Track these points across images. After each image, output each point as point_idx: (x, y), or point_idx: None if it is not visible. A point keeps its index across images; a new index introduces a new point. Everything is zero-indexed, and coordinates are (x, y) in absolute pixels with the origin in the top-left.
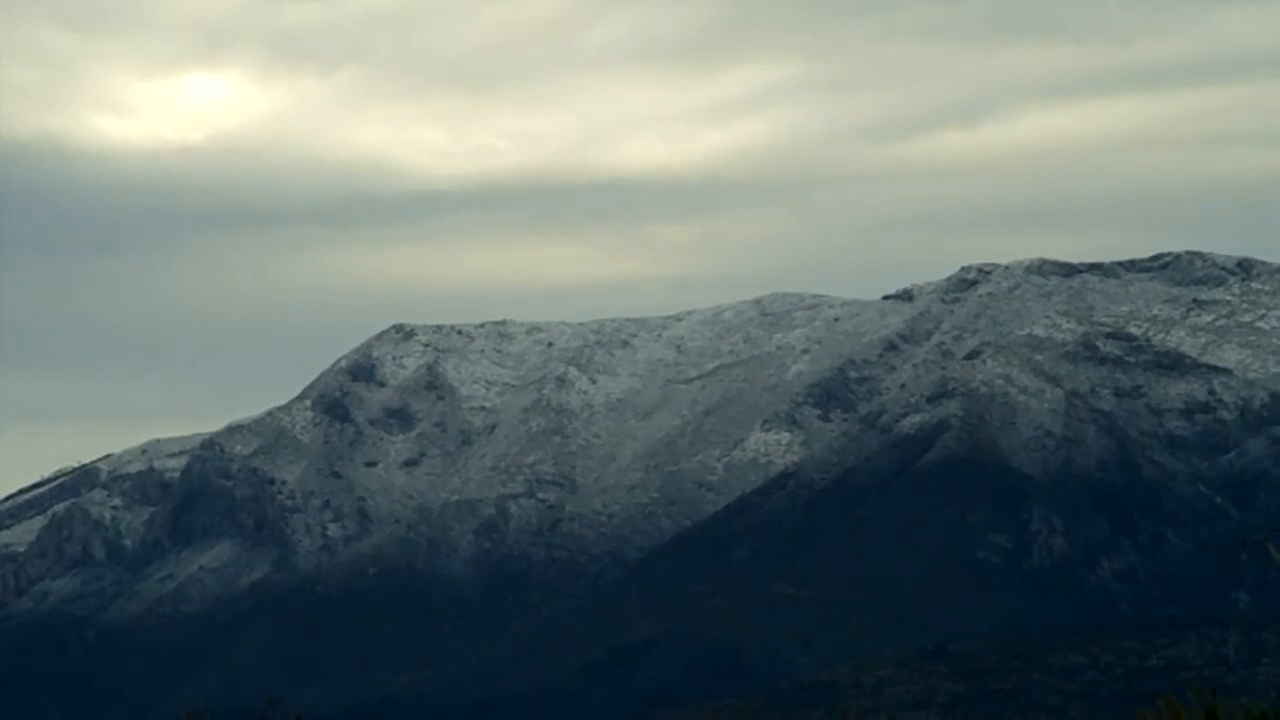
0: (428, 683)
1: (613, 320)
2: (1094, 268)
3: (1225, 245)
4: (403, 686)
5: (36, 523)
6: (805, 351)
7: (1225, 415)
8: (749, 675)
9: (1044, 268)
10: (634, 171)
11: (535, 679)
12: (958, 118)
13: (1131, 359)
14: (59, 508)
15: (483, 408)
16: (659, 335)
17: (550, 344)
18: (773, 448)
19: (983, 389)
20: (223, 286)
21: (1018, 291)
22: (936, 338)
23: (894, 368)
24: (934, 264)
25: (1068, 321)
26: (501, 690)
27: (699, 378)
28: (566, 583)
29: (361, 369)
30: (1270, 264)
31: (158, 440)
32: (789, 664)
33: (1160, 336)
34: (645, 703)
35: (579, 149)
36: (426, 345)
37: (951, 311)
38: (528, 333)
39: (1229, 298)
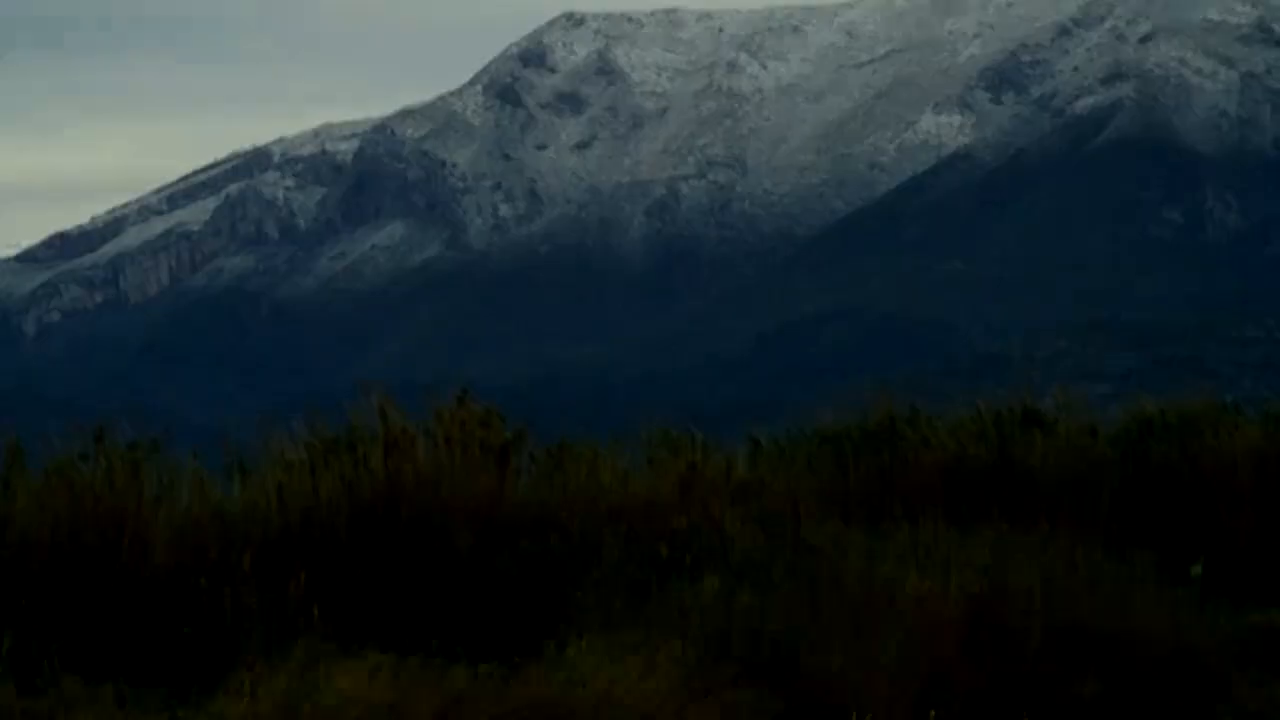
0: (598, 356)
1: (784, 6)
2: None
3: None
4: (573, 358)
5: (210, 203)
6: (977, 35)
7: None
8: (920, 348)
9: None
10: None
11: (705, 352)
12: None
13: None
14: (233, 188)
15: (654, 92)
16: (831, 21)
17: (721, 30)
18: (944, 130)
19: (1156, 71)
20: None
21: None
22: (1110, 22)
23: (1067, 51)
24: None
25: (1242, 5)
26: (671, 363)
27: (870, 62)
28: (737, 261)
29: (532, 55)
30: None
31: (330, 124)
32: (960, 337)
33: None
34: (815, 375)
35: None
36: (597, 31)
37: None
38: (698, 19)
39: None
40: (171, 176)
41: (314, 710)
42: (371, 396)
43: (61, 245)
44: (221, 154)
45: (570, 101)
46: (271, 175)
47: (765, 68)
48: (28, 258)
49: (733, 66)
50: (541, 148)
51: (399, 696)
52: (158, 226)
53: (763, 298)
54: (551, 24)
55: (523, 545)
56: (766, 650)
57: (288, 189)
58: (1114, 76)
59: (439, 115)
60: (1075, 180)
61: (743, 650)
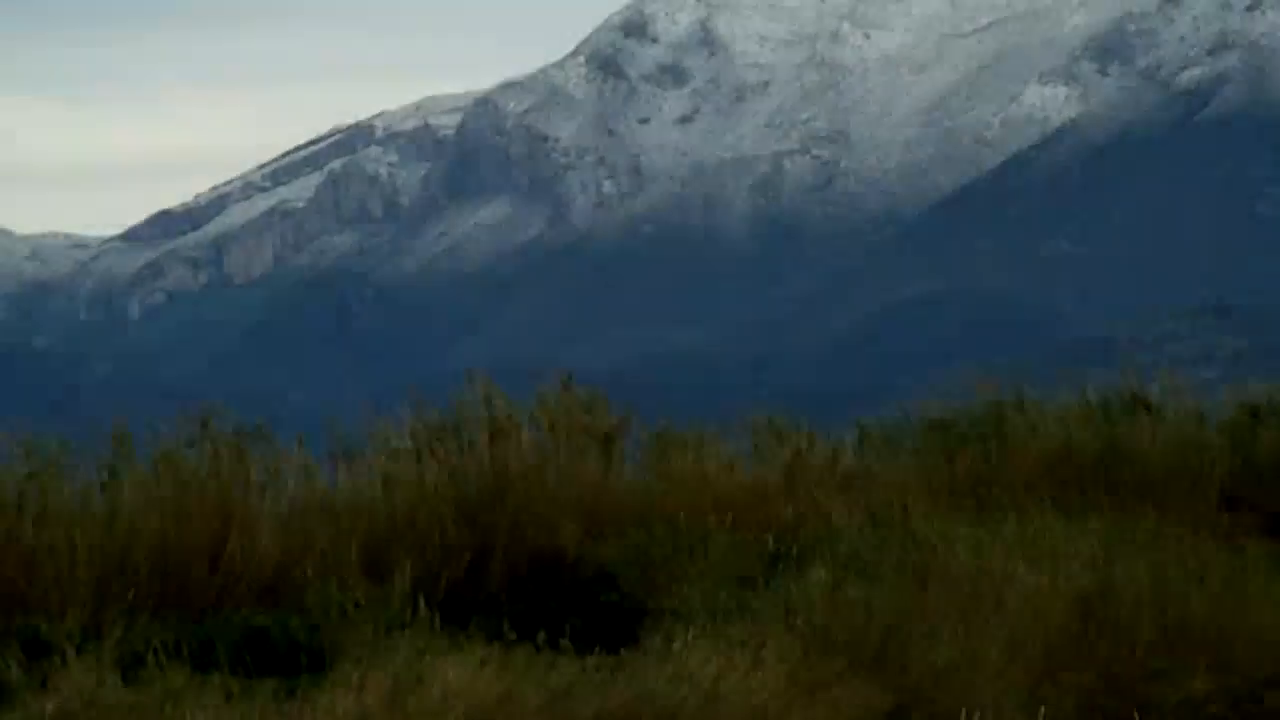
0: (703, 338)
1: None
2: None
3: None
4: (678, 342)
5: (313, 180)
6: (1082, 4)
7: None
8: (1026, 330)
9: None
10: None
11: (811, 335)
12: None
13: None
14: (335, 164)
15: (756, 64)
16: None
17: (824, 0)
18: (1049, 102)
19: (1263, 41)
20: None
21: None
22: None
23: (1172, 20)
24: None
25: None
26: (777, 346)
27: (974, 32)
28: (842, 240)
29: (634, 25)
30: None
31: (432, 97)
32: (1067, 319)
33: None
34: (921, 359)
35: None
36: (699, 1)
37: None
38: None
39: None
40: (274, 152)
41: (420, 702)
42: (476, 382)
43: (165, 224)
44: (324, 129)
45: (673, 73)
46: (374, 150)
47: (868, 38)
48: (132, 237)
49: (835, 37)
50: (644, 121)
51: (505, 689)
52: (261, 204)
53: (868, 279)
54: None
55: (628, 535)
56: (874, 644)
57: (390, 165)
58: (1220, 47)
59: (541, 88)
60: (1182, 156)
61: (850, 644)
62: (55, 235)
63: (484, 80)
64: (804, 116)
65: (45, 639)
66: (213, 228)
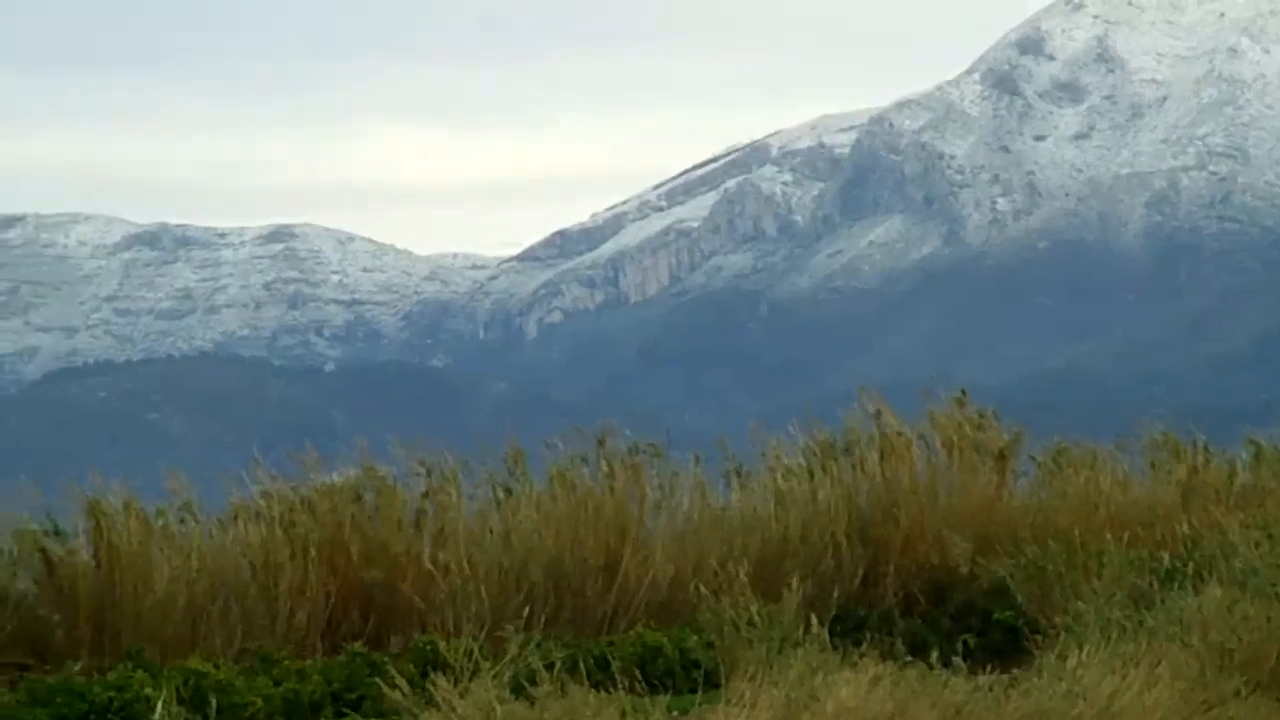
0: (1098, 355)
1: None
2: None
3: None
4: (1073, 359)
5: (708, 199)
6: None
7: None
8: None
9: None
10: None
11: (1204, 351)
12: None
13: None
14: (730, 184)
15: (1153, 80)
16: None
17: (1222, 14)
18: None
19: None
20: None
21: None
22: None
23: None
24: None
25: None
26: (1170, 362)
27: None
28: (1237, 255)
29: (1030, 42)
30: None
31: (827, 116)
32: None
33: None
34: None
35: None
36: (1096, 17)
37: None
38: (1199, 3)
39: None
40: (669, 172)
41: None
42: (865, 399)
43: (562, 243)
44: (719, 148)
45: (1068, 90)
46: (769, 170)
47: (1267, 53)
48: (528, 257)
49: (1233, 52)
50: (1040, 138)
51: (898, 707)
52: (656, 224)
53: (1264, 294)
54: (1050, 9)
55: (1021, 552)
56: (1272, 662)
57: (785, 184)
58: None
59: (936, 105)
60: None
61: (1247, 662)
62: (454, 256)
63: (878, 99)
64: (1201, 132)
65: (443, 657)
66: (609, 247)
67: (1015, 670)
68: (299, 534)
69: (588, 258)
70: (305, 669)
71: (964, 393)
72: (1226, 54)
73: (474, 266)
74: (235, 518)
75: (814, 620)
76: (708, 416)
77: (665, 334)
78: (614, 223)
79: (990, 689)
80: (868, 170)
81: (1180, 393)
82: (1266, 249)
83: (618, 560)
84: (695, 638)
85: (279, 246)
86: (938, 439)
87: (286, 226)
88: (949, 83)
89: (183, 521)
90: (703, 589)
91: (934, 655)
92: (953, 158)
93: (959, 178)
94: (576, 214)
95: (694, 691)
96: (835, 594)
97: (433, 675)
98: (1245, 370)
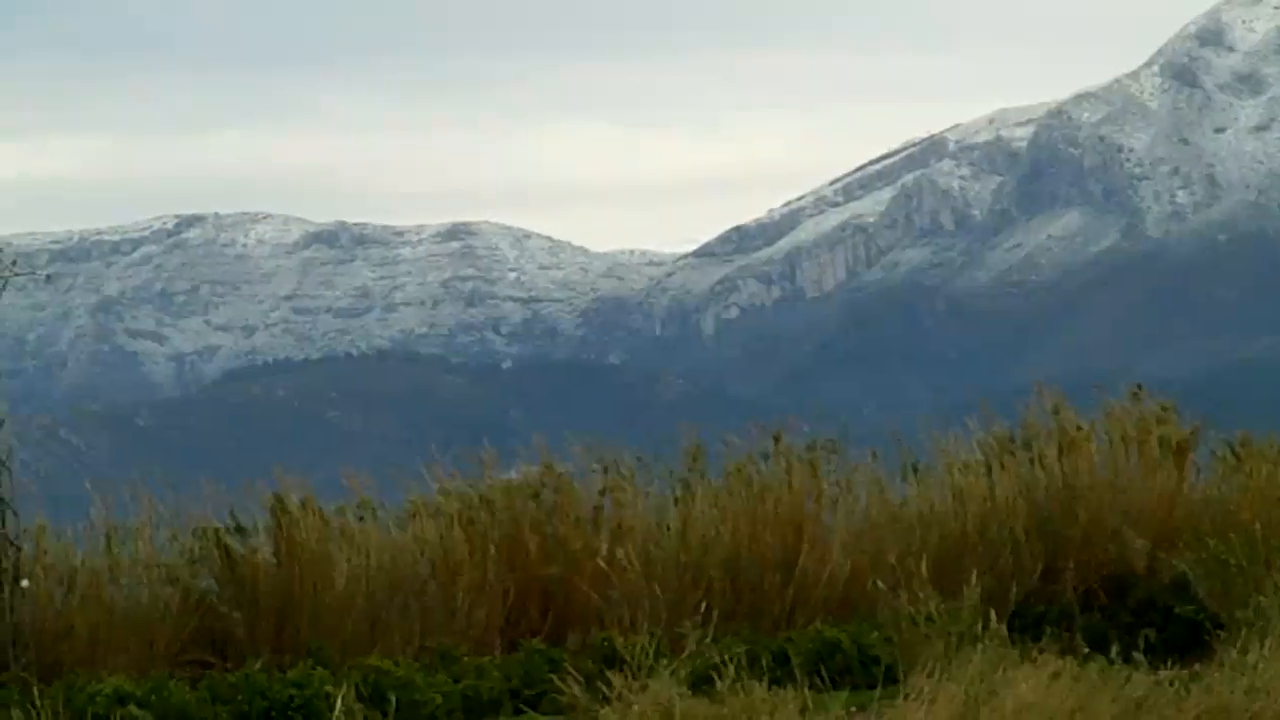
0: (1278, 348)
1: None
2: None
3: None
4: (1255, 352)
5: (885, 194)
6: None
7: None
8: None
9: None
10: None
11: None
12: None
13: None
14: (907, 178)
15: None
16: None
17: None
18: None
19: None
20: None
21: None
22: None
23: None
24: None
25: None
26: None
27: None
28: None
29: (1210, 33)
30: None
31: (1004, 109)
32: None
33: None
34: None
35: None
36: (1276, 8)
37: None
38: None
39: None
40: (845, 167)
41: (993, 716)
42: (1043, 394)
43: (738, 240)
44: (895, 143)
45: (1249, 82)
46: (946, 164)
47: None
48: (705, 253)
49: None
50: (1220, 131)
51: (1079, 702)
52: (833, 219)
53: None
54: (1230, 1)
55: (1203, 546)
56: None
57: (962, 178)
58: None
59: (1115, 98)
60: None
61: None
62: (631, 253)
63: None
64: None
65: (620, 654)
66: (785, 243)
67: (1196, 665)
68: (478, 531)
69: (764, 253)
70: (484, 666)
71: (1140, 387)
72: None
73: (651, 263)
74: (414, 515)
75: (993, 616)
76: (885, 412)
77: (842, 329)
78: (790, 218)
79: (1171, 684)
80: (1046, 164)
81: None
82: None
83: (795, 556)
84: (874, 633)
85: (456, 244)
86: (1115, 434)
87: (464, 224)
88: (1128, 75)
89: (361, 519)
90: (881, 585)
91: (1114, 650)
92: (1132, 150)
93: (1138, 171)
94: (753, 210)
95: (872, 687)
96: (1014, 590)
97: (610, 672)
98: None
